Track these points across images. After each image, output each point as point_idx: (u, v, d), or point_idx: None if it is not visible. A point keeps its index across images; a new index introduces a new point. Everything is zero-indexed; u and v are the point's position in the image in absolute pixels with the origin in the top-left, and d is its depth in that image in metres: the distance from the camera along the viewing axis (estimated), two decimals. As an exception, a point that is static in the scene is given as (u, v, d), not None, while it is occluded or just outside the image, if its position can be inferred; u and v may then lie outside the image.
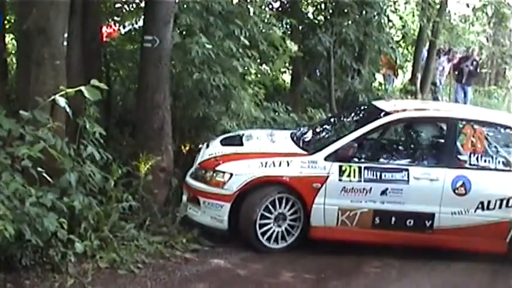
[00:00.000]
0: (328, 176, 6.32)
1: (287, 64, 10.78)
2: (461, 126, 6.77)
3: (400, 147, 7.42)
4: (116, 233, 5.85)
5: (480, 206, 6.41)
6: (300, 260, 6.28)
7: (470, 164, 6.58)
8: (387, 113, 6.84)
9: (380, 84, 13.42)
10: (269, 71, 8.65)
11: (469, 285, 6.17)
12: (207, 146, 7.20)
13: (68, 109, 4.74)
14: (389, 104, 7.79)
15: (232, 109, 7.42)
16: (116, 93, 8.76)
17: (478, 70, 17.22)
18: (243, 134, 7.44)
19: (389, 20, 12.94)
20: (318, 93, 11.44)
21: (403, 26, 15.21)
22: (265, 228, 6.38)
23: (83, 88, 4.66)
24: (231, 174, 6.33)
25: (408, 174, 6.42)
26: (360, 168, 6.38)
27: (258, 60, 8.09)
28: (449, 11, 16.37)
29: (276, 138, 7.29)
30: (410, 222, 6.44)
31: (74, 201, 5.23)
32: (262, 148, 6.84)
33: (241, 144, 7.03)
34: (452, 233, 6.45)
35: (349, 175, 6.34)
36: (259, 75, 7.90)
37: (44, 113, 5.03)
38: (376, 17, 11.80)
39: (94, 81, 4.70)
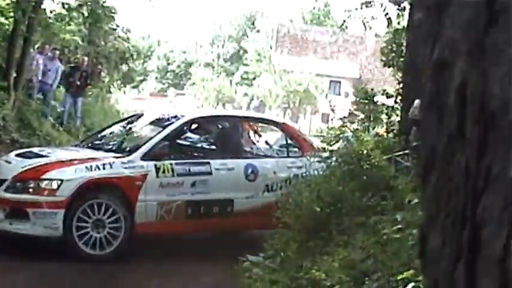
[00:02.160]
0: (147, 174, 6.84)
1: None
2: (241, 122, 8.00)
3: (202, 144, 8.15)
4: None
5: (266, 188, 7.48)
6: None
7: (255, 154, 7.80)
8: (182, 115, 7.72)
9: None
10: None
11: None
12: (8, 162, 6.97)
13: None
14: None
15: None
16: None
17: (89, 81, 17.32)
18: (31, 151, 7.50)
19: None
20: None
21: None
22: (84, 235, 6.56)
23: None
24: (61, 181, 6.29)
25: (210, 166, 7.24)
26: (171, 164, 7.02)
27: None
28: (45, 9, 16.24)
29: (72, 148, 7.84)
30: (215, 210, 7.25)
31: None
32: (74, 156, 7.08)
33: (46, 156, 7.03)
34: (247, 215, 7.39)
35: (164, 171, 6.93)
36: None
37: None
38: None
39: None
